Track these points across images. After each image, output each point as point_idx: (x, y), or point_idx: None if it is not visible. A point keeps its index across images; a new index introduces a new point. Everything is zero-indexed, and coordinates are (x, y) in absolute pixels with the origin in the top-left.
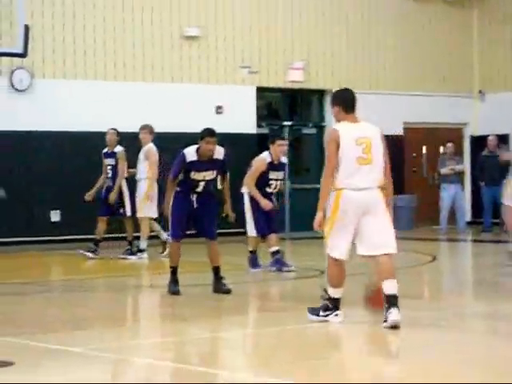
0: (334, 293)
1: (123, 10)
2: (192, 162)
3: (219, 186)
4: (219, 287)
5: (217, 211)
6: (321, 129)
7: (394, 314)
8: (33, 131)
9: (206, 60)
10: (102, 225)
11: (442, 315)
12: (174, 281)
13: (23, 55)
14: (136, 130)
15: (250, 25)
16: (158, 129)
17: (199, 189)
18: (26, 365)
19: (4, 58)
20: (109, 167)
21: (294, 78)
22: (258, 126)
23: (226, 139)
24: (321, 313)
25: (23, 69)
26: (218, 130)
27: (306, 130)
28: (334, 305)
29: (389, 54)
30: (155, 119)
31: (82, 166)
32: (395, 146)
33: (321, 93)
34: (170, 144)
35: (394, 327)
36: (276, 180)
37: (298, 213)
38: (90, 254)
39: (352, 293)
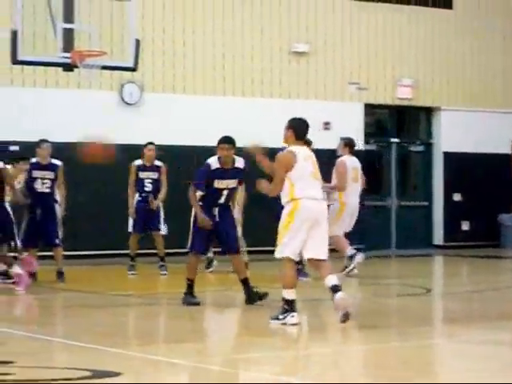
0: (288, 294)
1: (233, 24)
2: (216, 170)
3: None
4: (253, 296)
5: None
6: (428, 146)
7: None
8: (142, 145)
9: (314, 76)
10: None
11: None
12: (191, 293)
13: (133, 69)
14: (244, 144)
15: (358, 41)
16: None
17: (222, 200)
18: (132, 375)
19: (114, 72)
20: (148, 180)
21: (403, 94)
22: (366, 142)
23: (333, 155)
24: (280, 316)
25: (133, 83)
26: (326, 146)
27: (413, 148)
28: (290, 306)
29: (498, 71)
30: (262, 134)
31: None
32: (503, 165)
33: (429, 110)
34: None
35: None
36: None
37: (404, 229)
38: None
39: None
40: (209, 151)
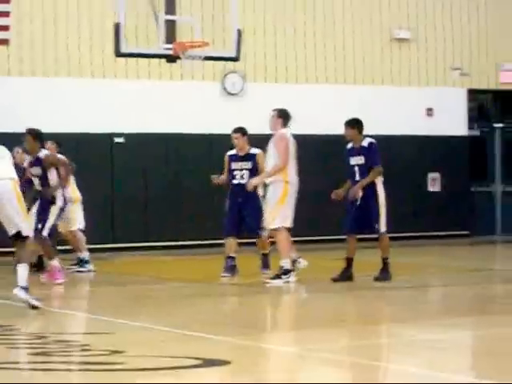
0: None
1: (333, 13)
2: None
3: None
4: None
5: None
6: None
7: None
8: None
9: (416, 62)
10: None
11: None
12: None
13: (236, 59)
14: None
15: (460, 26)
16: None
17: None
18: (242, 364)
19: (217, 63)
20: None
21: (506, 79)
22: (469, 127)
23: (436, 141)
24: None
25: (235, 73)
26: (429, 132)
27: None
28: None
29: None
30: (367, 121)
31: None
32: None
33: None
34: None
35: None
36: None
37: (509, 215)
38: None
39: None
40: (313, 140)
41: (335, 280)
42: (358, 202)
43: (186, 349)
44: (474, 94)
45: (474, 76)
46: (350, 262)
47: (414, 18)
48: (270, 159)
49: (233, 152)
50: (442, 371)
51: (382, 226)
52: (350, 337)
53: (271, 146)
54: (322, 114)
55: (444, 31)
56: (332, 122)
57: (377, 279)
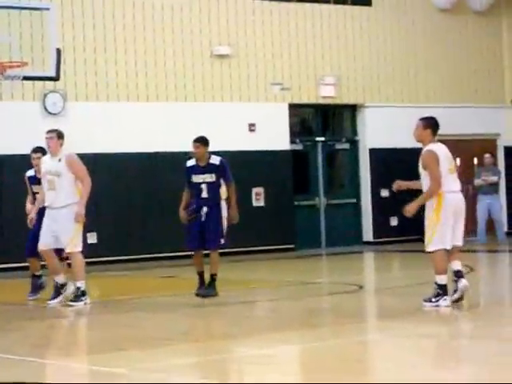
0: (440, 280)
1: (154, 30)
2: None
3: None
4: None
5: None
6: (354, 143)
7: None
8: None
9: (237, 78)
10: None
11: (483, 325)
12: None
13: (56, 79)
14: (170, 149)
15: (280, 41)
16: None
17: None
18: None
19: (37, 82)
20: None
21: (326, 93)
22: (292, 142)
23: (259, 156)
24: (433, 299)
25: (56, 92)
26: (252, 147)
27: (339, 146)
28: (442, 290)
29: (420, 67)
30: (189, 138)
31: (117, 188)
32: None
33: (353, 107)
34: None
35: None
36: None
37: (334, 227)
38: None
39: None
40: (136, 159)
41: (198, 295)
42: (203, 219)
43: (11, 373)
44: (295, 109)
45: (295, 91)
46: (202, 275)
47: (234, 34)
48: (64, 181)
49: (33, 173)
50: None
51: (224, 241)
52: (178, 356)
53: (64, 168)
54: (143, 132)
55: (264, 47)
56: (156, 140)
57: (204, 296)
